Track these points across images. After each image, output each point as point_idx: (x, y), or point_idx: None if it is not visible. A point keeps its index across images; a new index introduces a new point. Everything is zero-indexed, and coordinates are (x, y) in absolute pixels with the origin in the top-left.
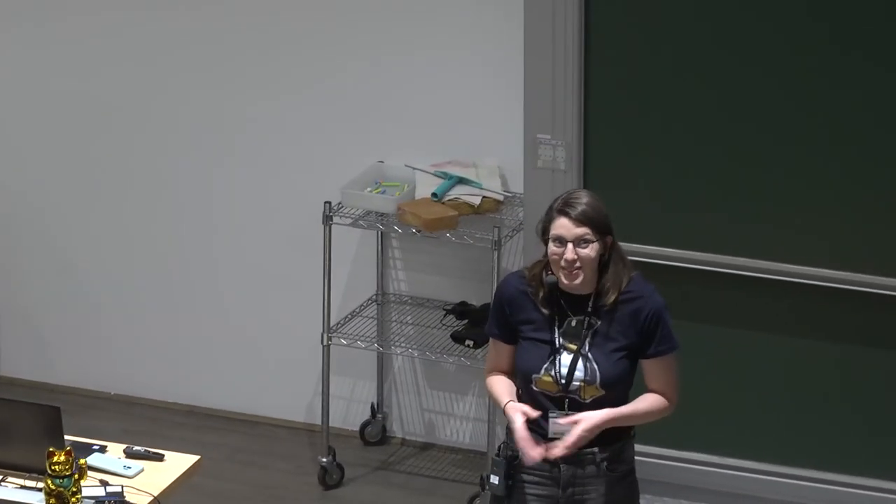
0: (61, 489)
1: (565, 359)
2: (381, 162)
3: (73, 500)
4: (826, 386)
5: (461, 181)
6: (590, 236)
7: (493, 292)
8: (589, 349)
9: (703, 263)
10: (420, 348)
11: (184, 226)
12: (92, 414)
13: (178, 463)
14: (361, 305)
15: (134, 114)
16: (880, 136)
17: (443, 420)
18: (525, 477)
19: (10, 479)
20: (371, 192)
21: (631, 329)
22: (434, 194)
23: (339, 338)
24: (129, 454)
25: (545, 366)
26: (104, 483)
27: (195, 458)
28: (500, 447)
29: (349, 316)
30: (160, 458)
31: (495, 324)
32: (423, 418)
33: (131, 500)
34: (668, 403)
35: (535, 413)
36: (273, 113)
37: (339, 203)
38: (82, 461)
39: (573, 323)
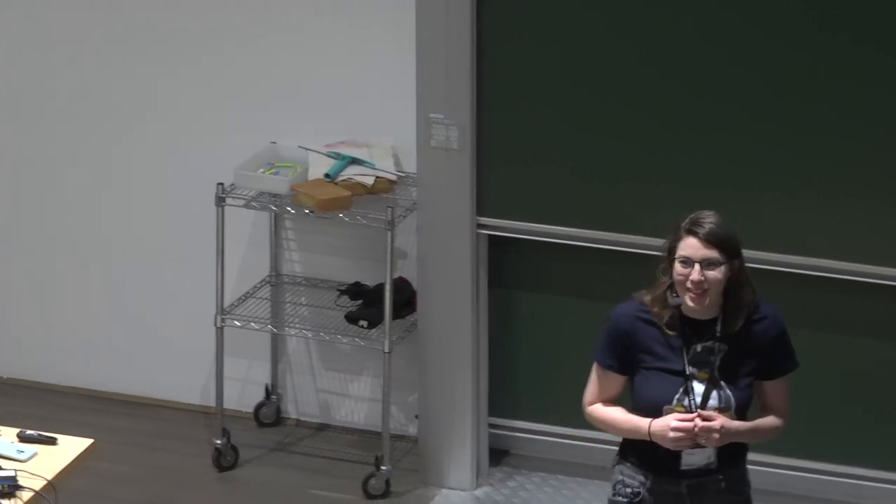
0: None
1: (698, 387)
2: (274, 143)
3: None
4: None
5: (354, 161)
6: (718, 258)
7: (607, 324)
8: (719, 375)
9: (601, 242)
10: (314, 329)
11: (78, 207)
12: None
13: (71, 446)
14: (255, 287)
15: (30, 97)
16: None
17: (337, 401)
18: None
19: None
20: (264, 172)
21: (758, 352)
22: (327, 175)
23: (232, 319)
24: (23, 438)
25: (677, 396)
26: None
27: (89, 441)
28: (615, 487)
29: (243, 297)
30: (53, 441)
31: (612, 356)
32: (317, 399)
33: (25, 485)
34: (783, 422)
35: (691, 415)
36: (165, 94)
37: (233, 184)
38: None
39: (699, 349)
